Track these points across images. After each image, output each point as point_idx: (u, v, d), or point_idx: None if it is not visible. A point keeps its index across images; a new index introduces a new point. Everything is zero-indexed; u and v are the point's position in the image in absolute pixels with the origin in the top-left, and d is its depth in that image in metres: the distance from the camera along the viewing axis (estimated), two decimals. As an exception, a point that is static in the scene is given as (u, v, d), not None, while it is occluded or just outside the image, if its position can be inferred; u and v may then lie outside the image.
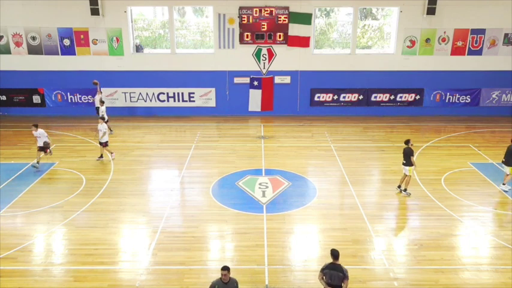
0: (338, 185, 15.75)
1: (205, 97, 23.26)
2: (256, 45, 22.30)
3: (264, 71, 22.89)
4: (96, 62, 22.57)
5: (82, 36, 22.16)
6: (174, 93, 23.18)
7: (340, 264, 8.74)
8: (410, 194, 14.56)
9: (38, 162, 16.61)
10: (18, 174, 16.21)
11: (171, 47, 22.67)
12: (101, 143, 17.32)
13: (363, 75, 22.78)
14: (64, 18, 21.82)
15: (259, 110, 23.48)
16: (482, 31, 22.05)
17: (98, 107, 20.12)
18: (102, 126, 17.13)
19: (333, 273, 8.67)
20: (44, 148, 16.81)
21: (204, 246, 12.00)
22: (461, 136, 20.48)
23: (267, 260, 11.28)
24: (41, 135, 16.66)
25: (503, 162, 15.05)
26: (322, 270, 8.81)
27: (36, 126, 16.62)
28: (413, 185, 15.42)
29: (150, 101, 23.24)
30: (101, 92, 21.06)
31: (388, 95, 23.14)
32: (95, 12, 21.35)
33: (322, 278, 8.85)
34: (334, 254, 8.74)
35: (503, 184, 15.03)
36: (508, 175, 14.88)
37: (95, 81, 20.66)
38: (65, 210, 13.71)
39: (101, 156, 17.48)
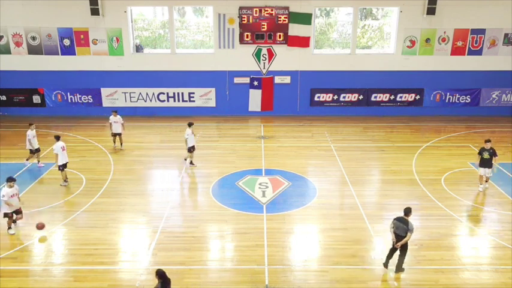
0: (338, 185, 15.75)
1: (205, 97, 23.26)
2: (256, 45, 22.29)
3: (264, 71, 22.88)
4: (96, 62, 22.57)
5: (82, 36, 22.16)
6: (174, 93, 23.18)
7: (407, 219, 10.28)
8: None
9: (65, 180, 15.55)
10: (18, 174, 16.20)
11: (171, 47, 22.67)
12: (188, 149, 16.70)
13: (363, 75, 22.78)
14: (64, 18, 21.82)
15: (259, 110, 23.48)
16: (482, 31, 22.05)
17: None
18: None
19: (399, 225, 10.34)
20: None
21: (204, 246, 12.00)
22: (461, 136, 20.48)
23: (267, 260, 11.28)
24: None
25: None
26: (393, 220, 10.51)
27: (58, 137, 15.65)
28: (413, 185, 15.45)
29: (150, 101, 23.24)
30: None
31: (388, 95, 23.14)
32: (95, 12, 21.36)
33: (392, 227, 10.49)
34: (404, 210, 10.41)
35: (481, 184, 14.93)
36: (482, 176, 14.81)
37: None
38: (65, 210, 13.71)
39: (191, 163, 16.98)
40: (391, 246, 10.67)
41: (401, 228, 10.31)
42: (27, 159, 16.88)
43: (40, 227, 12.09)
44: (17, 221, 12.60)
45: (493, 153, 14.49)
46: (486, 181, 14.96)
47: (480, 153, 14.64)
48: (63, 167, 15.25)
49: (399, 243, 10.35)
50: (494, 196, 14.69)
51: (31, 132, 16.55)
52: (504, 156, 17.92)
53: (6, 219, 12.28)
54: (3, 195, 11.94)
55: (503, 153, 18.27)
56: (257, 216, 13.41)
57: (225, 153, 18.55)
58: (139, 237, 12.34)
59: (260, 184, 15.48)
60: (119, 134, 18.53)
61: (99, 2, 21.23)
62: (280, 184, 15.46)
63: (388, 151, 18.77)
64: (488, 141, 14.62)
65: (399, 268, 10.70)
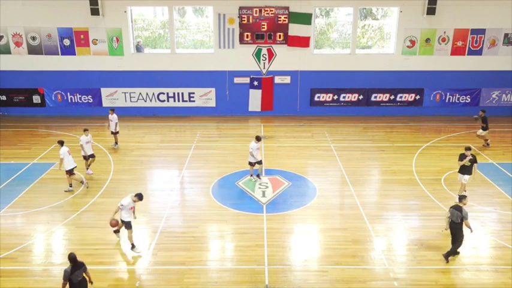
0: (338, 185, 15.75)
1: (205, 97, 23.27)
2: (256, 45, 22.29)
3: (264, 71, 22.88)
4: (96, 62, 22.57)
5: (82, 36, 22.16)
6: (174, 93, 23.18)
7: (462, 207, 10.95)
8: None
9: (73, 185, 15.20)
10: (18, 174, 16.20)
11: (171, 47, 22.67)
12: (251, 163, 15.55)
13: (363, 75, 22.78)
14: (64, 18, 21.82)
15: (259, 110, 23.48)
16: (482, 31, 22.05)
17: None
18: None
19: (454, 212, 11.00)
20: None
21: (204, 246, 12.01)
22: (461, 136, 20.47)
23: (267, 260, 11.28)
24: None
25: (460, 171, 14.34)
26: (450, 208, 11.23)
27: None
28: (413, 185, 15.45)
29: (150, 101, 23.24)
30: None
31: (388, 95, 23.14)
32: (95, 12, 21.36)
33: (447, 215, 11.25)
34: (459, 197, 11.29)
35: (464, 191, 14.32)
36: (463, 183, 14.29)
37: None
38: (65, 210, 13.71)
39: (258, 176, 15.81)
40: (450, 236, 11.30)
41: (456, 215, 10.93)
42: (87, 168, 16.19)
43: (114, 224, 11.65)
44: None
45: (474, 160, 13.97)
46: (464, 190, 14.28)
47: (461, 159, 14.06)
48: (70, 172, 14.86)
49: (471, 229, 11.05)
50: (494, 196, 14.69)
51: (84, 138, 15.71)
52: (504, 156, 17.96)
53: (127, 232, 11.67)
54: (122, 204, 11.51)
55: (503, 153, 18.31)
56: (257, 216, 13.41)
57: (225, 153, 18.55)
58: (139, 237, 12.32)
59: (260, 184, 15.47)
60: (115, 133, 18.60)
61: (99, 2, 21.23)
62: (280, 184, 15.45)
63: (388, 151, 18.77)
64: (468, 149, 14.05)
65: (454, 252, 11.24)
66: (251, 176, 15.80)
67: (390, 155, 18.34)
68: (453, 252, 11.25)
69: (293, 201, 14.29)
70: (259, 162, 15.68)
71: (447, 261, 11.17)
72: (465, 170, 14.11)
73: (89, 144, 15.91)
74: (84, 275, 9.19)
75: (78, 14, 21.66)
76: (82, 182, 15.21)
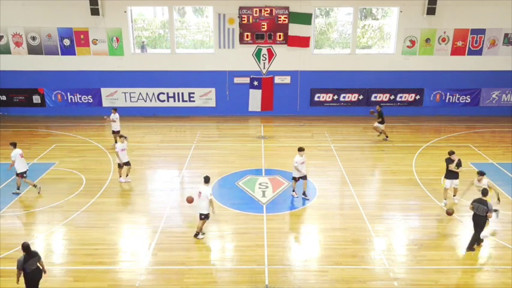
0: (338, 185, 15.75)
1: (205, 97, 23.27)
2: (256, 45, 22.30)
3: (264, 71, 22.88)
4: (96, 62, 22.57)
5: (82, 36, 22.16)
6: (174, 93, 23.18)
7: (486, 200, 11.18)
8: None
9: (35, 186, 14.72)
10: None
11: (171, 47, 22.67)
12: (294, 178, 14.19)
13: (363, 75, 22.78)
14: (64, 18, 21.83)
15: (259, 110, 23.48)
16: (482, 31, 22.05)
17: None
18: None
19: (479, 206, 11.17)
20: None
21: (204, 246, 12.00)
22: (461, 136, 20.47)
23: (267, 260, 11.28)
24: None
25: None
26: (472, 202, 11.40)
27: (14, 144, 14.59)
28: (413, 185, 15.44)
29: (150, 101, 23.25)
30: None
31: (388, 95, 23.15)
32: (95, 12, 21.36)
33: (472, 209, 11.38)
34: (482, 191, 11.38)
35: (445, 199, 14.11)
36: (447, 189, 14.01)
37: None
38: (65, 210, 13.71)
39: (304, 194, 14.43)
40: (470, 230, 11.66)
41: (482, 208, 11.10)
42: (120, 176, 15.70)
43: (190, 200, 12.21)
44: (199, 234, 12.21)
45: (459, 164, 13.74)
46: (454, 195, 14.13)
47: (448, 164, 13.79)
48: (21, 174, 14.44)
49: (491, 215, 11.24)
50: (494, 196, 14.63)
51: (120, 145, 15.23)
52: (504, 156, 17.95)
53: (201, 222, 12.08)
54: (211, 194, 11.82)
55: (503, 153, 18.31)
56: (257, 216, 13.41)
57: (225, 153, 18.55)
58: (139, 237, 12.33)
59: (260, 184, 15.47)
60: (116, 132, 18.42)
61: (99, 2, 21.24)
62: (280, 184, 15.45)
63: (388, 151, 18.77)
64: (452, 153, 13.81)
65: (471, 247, 11.47)
66: (293, 191, 14.53)
67: (390, 155, 18.35)
68: (475, 240, 11.45)
69: (293, 201, 14.29)
70: (304, 177, 14.16)
71: (473, 250, 11.49)
72: (453, 174, 13.81)
73: (124, 151, 15.36)
74: (38, 264, 9.39)
75: (78, 14, 21.66)
76: (35, 186, 14.71)
